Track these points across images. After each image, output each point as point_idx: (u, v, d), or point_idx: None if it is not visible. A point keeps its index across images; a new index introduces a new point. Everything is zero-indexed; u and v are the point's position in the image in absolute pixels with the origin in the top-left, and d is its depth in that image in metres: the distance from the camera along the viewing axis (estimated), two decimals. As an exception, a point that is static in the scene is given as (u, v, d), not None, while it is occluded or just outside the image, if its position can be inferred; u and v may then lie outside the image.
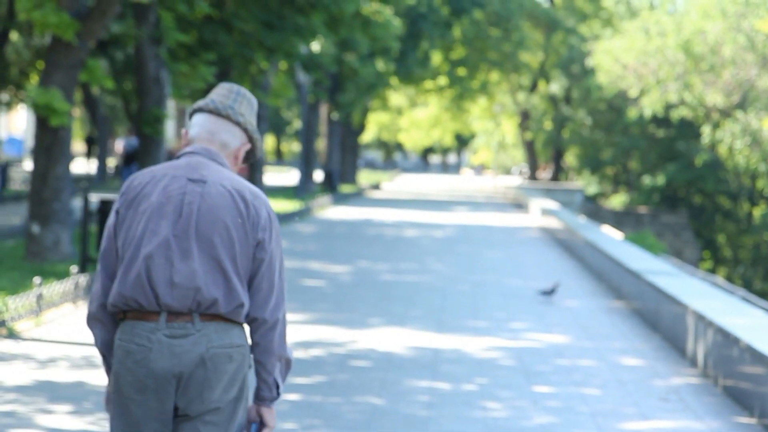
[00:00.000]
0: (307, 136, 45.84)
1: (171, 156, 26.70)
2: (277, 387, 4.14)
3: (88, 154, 50.89)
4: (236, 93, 4.22)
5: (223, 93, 4.22)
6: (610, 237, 22.26)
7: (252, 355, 4.14)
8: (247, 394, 4.12)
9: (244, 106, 4.22)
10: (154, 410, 3.99)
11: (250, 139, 4.24)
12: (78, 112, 54.30)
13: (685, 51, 38.73)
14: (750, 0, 36.84)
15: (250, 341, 4.16)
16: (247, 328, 4.16)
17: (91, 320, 4.14)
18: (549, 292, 15.59)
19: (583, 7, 66.07)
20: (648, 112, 42.63)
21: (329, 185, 48.71)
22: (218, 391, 4.00)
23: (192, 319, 3.99)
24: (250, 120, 4.23)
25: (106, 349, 4.15)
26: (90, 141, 51.22)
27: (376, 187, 61.11)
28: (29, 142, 55.29)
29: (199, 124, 4.20)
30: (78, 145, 71.06)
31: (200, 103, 4.23)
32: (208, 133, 4.18)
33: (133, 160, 31.50)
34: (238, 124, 4.20)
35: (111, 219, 4.11)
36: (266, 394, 4.13)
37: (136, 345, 3.98)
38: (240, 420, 4.08)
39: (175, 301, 3.98)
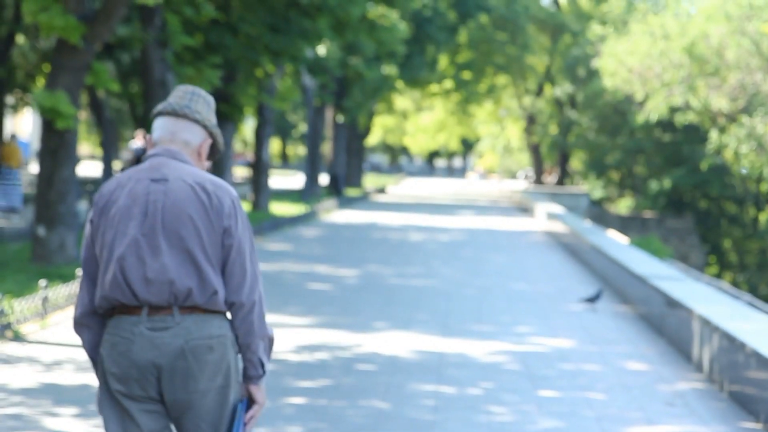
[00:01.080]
0: (312, 139, 45.85)
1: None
2: (262, 365, 4.34)
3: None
4: (191, 93, 4.43)
5: (179, 95, 4.44)
6: (616, 241, 22.24)
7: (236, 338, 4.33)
8: (236, 380, 4.29)
9: (200, 105, 4.42)
10: (139, 398, 4.21)
11: (211, 134, 4.45)
12: (84, 115, 54.33)
13: (689, 54, 38.68)
14: (754, 3, 36.78)
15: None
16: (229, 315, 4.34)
17: (78, 326, 4.37)
18: (592, 300, 15.41)
19: (589, 11, 66.01)
20: (654, 116, 42.63)
21: (334, 189, 48.72)
22: (203, 381, 4.20)
23: (172, 313, 4.19)
24: (208, 117, 4.43)
25: (95, 352, 4.37)
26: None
27: (382, 190, 61.12)
28: (35, 145, 55.42)
29: (160, 127, 4.41)
30: (94, 149, 71.08)
31: (159, 107, 4.45)
32: (169, 133, 4.39)
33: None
34: (196, 121, 4.40)
35: (87, 229, 4.35)
36: (252, 372, 4.32)
37: (120, 337, 4.20)
38: (232, 404, 4.28)
39: (152, 296, 4.18)
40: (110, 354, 4.21)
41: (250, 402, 4.35)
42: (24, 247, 18.84)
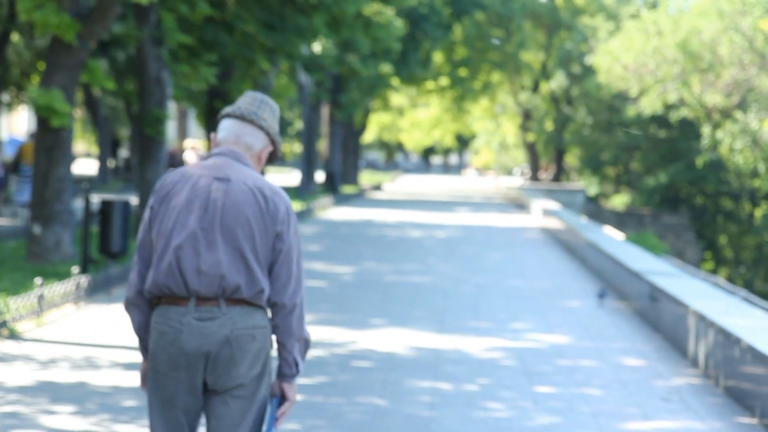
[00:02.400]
0: (308, 136, 45.83)
1: (172, 157, 26.62)
2: (297, 365, 4.57)
3: (113, 156, 51.44)
4: (260, 100, 4.68)
5: (248, 100, 4.69)
6: (612, 238, 22.25)
7: (274, 336, 4.57)
8: (270, 371, 4.52)
9: (266, 112, 4.68)
10: (185, 384, 4.44)
11: (272, 141, 4.71)
12: (79, 113, 54.30)
13: (683, 50, 38.68)
14: (746, 0, 36.78)
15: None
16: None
17: (129, 305, 4.61)
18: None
19: (584, 7, 65.98)
20: (648, 111, 42.66)
21: (331, 186, 48.68)
22: (243, 368, 4.44)
23: (218, 304, 4.44)
24: (272, 125, 4.69)
25: (143, 331, 4.60)
26: (114, 143, 51.85)
27: (378, 187, 61.09)
28: (30, 143, 55.42)
29: (226, 128, 4.67)
30: (90, 147, 71.01)
31: (228, 109, 4.69)
32: (235, 136, 4.65)
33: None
34: (261, 128, 4.66)
35: (146, 214, 4.59)
36: (287, 371, 4.56)
37: (169, 327, 4.44)
38: (263, 394, 4.53)
39: (202, 287, 4.42)
40: (159, 342, 4.44)
41: (282, 399, 4.57)
42: (20, 245, 18.82)
